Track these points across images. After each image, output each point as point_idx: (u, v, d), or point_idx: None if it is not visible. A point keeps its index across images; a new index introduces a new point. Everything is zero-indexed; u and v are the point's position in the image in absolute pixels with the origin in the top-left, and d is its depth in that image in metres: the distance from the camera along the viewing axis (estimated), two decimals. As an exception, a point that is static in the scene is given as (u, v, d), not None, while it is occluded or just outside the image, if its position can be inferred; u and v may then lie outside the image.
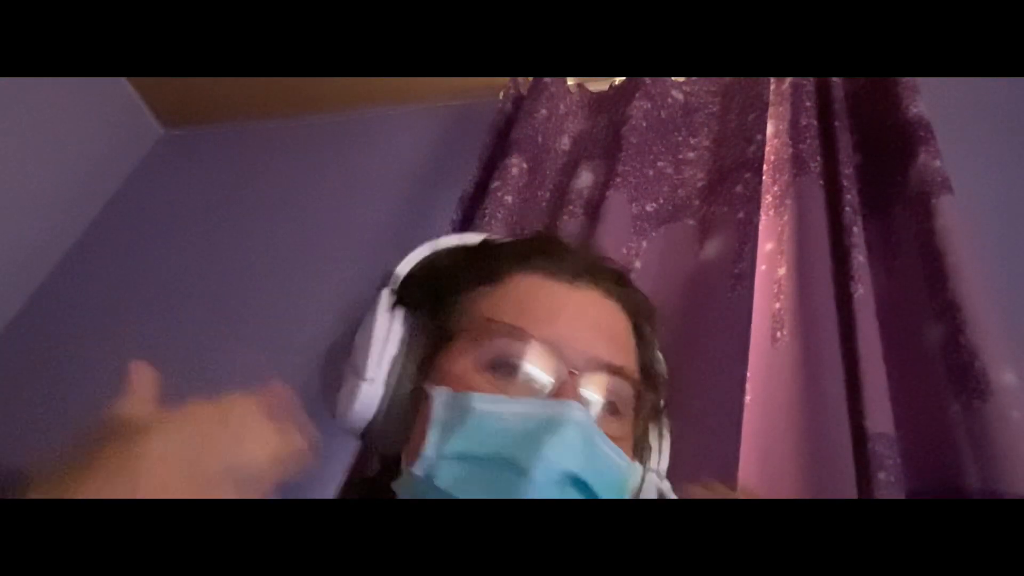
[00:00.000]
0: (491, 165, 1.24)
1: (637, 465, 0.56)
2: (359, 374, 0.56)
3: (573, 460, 0.50)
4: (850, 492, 0.73)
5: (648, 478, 0.56)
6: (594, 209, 1.11)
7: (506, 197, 1.14)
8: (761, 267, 0.96)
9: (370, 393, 0.56)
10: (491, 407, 0.52)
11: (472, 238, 0.68)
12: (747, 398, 0.85)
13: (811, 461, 0.76)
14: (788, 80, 1.14)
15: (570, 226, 1.11)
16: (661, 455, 0.64)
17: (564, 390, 0.53)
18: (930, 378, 0.83)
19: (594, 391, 0.56)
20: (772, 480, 0.78)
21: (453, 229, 1.15)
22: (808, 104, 1.10)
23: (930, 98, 1.07)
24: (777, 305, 0.89)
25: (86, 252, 1.67)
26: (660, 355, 0.67)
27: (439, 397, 0.54)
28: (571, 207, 1.14)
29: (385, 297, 0.61)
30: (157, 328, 1.46)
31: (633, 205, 1.12)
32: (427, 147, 1.56)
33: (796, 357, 0.84)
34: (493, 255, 0.62)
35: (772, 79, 1.18)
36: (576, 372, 0.54)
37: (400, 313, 0.60)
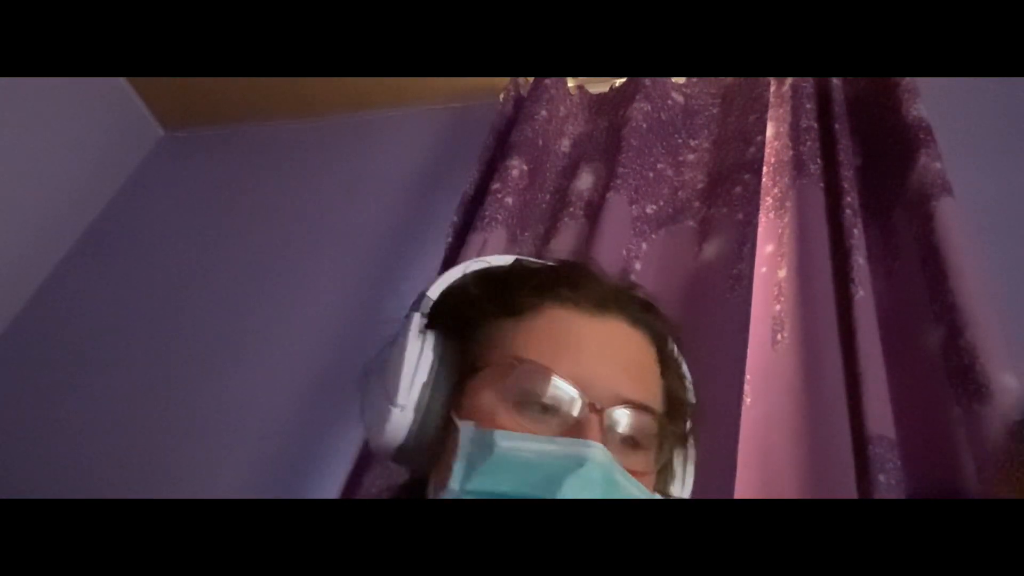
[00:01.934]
0: (491, 167, 1.24)
1: (658, 497, 0.58)
2: (390, 399, 0.58)
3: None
4: (850, 494, 0.73)
5: None
6: (594, 211, 1.11)
7: (506, 199, 1.14)
8: (761, 269, 0.96)
9: (401, 419, 0.57)
10: (514, 444, 0.53)
11: (503, 260, 0.69)
12: (747, 400, 0.85)
13: (811, 463, 0.76)
14: (788, 82, 1.14)
15: (570, 228, 1.11)
16: (685, 481, 0.64)
17: (587, 427, 0.54)
18: (930, 381, 0.83)
19: (617, 427, 0.57)
20: (772, 482, 0.78)
21: (453, 231, 1.15)
22: (808, 106, 1.10)
23: (930, 101, 1.07)
24: (777, 307, 0.89)
25: (86, 252, 1.67)
26: (688, 378, 0.68)
27: (465, 432, 0.55)
28: (571, 209, 1.14)
29: (416, 321, 0.61)
30: (157, 329, 1.46)
31: (633, 207, 1.12)
32: (428, 149, 1.56)
33: (796, 359, 0.84)
34: (520, 285, 0.62)
35: (772, 81, 1.18)
36: (600, 408, 0.55)
37: (431, 338, 0.61)
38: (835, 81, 1.15)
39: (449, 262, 1.09)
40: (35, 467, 1.30)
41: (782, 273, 0.92)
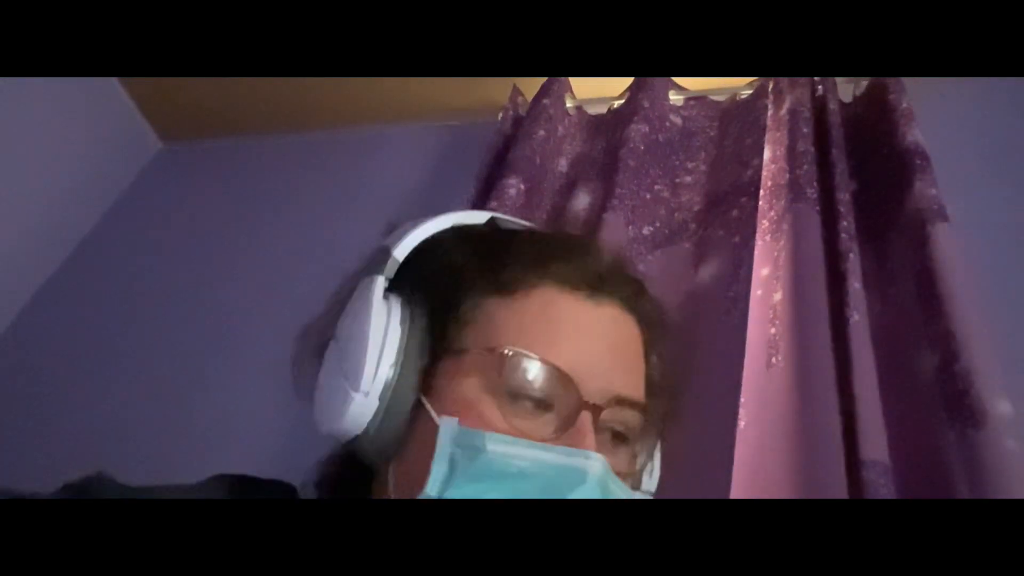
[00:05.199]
0: (489, 185, 1.24)
1: (639, 495, 0.56)
2: (352, 384, 0.51)
3: None
4: (843, 519, 0.73)
5: None
6: (591, 231, 1.11)
7: (503, 217, 1.14)
8: (757, 292, 0.96)
9: (364, 406, 0.51)
10: (507, 450, 0.48)
11: (477, 218, 0.61)
12: (740, 423, 0.85)
13: (804, 488, 0.75)
14: (786, 106, 1.15)
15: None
16: (653, 471, 0.60)
17: (583, 427, 0.50)
18: (925, 406, 0.83)
19: (607, 423, 0.53)
20: (765, 506, 0.78)
21: (449, 248, 1.15)
22: (805, 130, 1.10)
23: (927, 126, 1.08)
24: (772, 330, 0.89)
25: (82, 264, 1.66)
26: (667, 360, 0.63)
27: (447, 429, 0.49)
28: (568, 229, 1.14)
29: (379, 287, 0.54)
30: (153, 343, 1.45)
31: (630, 228, 1.12)
32: (425, 166, 1.56)
33: (791, 383, 0.83)
34: (507, 257, 0.55)
35: (769, 105, 1.19)
36: (596, 405, 0.51)
37: (396, 307, 0.53)
38: (832, 106, 1.16)
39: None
40: (32, 469, 1.28)
41: (777, 296, 0.92)
